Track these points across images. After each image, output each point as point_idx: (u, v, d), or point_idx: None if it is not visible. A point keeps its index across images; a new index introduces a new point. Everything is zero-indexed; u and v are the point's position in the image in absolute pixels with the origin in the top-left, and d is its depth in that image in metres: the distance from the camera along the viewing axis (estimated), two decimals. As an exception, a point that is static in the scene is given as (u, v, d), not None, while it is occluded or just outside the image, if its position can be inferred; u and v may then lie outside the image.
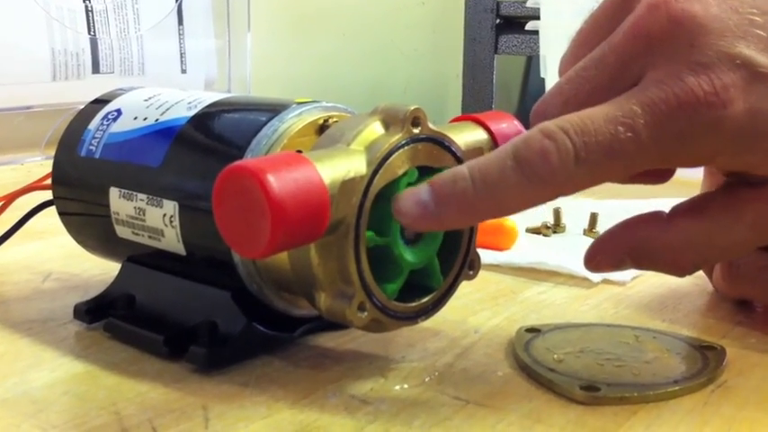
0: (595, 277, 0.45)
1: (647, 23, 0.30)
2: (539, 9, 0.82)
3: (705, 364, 0.34)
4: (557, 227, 0.55)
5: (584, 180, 0.29)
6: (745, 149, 0.30)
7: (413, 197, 0.30)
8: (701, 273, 0.43)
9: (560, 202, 0.57)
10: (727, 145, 0.29)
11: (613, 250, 0.33)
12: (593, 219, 0.54)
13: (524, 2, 1.13)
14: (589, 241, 0.49)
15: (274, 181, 0.27)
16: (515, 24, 1.24)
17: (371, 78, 1.31)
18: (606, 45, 0.31)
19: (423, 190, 0.30)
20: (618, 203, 0.58)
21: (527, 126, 0.38)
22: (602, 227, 0.54)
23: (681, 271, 0.33)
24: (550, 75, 0.82)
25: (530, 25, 0.90)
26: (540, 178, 0.29)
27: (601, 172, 0.29)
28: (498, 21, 1.26)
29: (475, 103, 1.27)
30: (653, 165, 0.30)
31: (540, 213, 0.56)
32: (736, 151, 0.30)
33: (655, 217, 0.33)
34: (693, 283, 0.44)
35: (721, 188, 0.33)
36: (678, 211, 0.32)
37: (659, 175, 0.34)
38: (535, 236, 0.54)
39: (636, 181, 0.33)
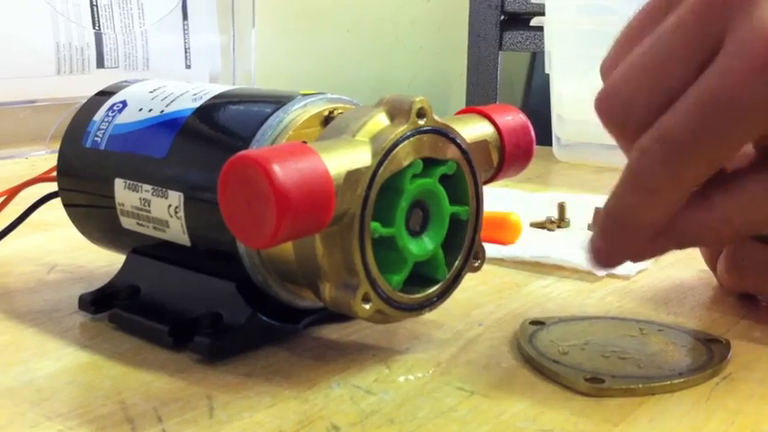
0: (600, 271, 0.45)
1: None
2: (543, 5, 0.82)
3: (710, 357, 0.34)
4: (561, 221, 0.55)
5: (683, 179, 0.30)
6: None
7: (589, 245, 0.33)
8: (705, 266, 0.43)
9: (565, 196, 0.57)
10: None
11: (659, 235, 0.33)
12: (598, 213, 0.54)
13: (529, -2, 1.12)
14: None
15: (280, 171, 0.27)
16: (520, 21, 1.24)
17: (376, 75, 1.31)
18: (675, 19, 0.30)
19: (595, 237, 0.33)
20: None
21: (533, 121, 0.38)
22: (607, 221, 0.53)
23: (721, 245, 0.35)
24: (555, 71, 0.82)
25: (534, 21, 0.90)
26: (653, 192, 0.30)
27: (694, 165, 0.30)
28: (503, 17, 1.26)
29: (479, 100, 1.27)
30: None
31: (545, 208, 0.56)
32: None
33: (689, 197, 0.32)
34: (698, 277, 0.44)
35: (755, 162, 0.32)
36: (711, 188, 0.32)
37: None
38: (539, 230, 0.54)
39: None
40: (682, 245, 0.33)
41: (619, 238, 0.32)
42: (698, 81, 0.29)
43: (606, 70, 0.33)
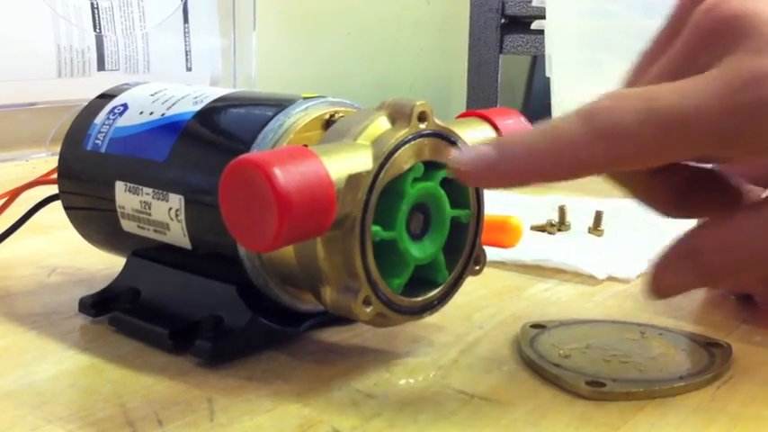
0: (600, 274, 0.45)
1: (706, 23, 0.30)
2: (544, 8, 0.82)
3: (711, 360, 0.34)
4: (561, 225, 0.55)
5: (652, 145, 0.28)
6: None
7: (474, 149, 0.29)
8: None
9: (565, 200, 0.57)
10: None
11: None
12: (598, 217, 0.54)
13: (529, 1, 1.12)
14: (594, 240, 0.48)
15: (281, 174, 0.27)
16: (520, 24, 1.24)
17: (376, 78, 1.31)
18: (671, 50, 0.31)
19: (485, 144, 0.29)
20: (623, 202, 0.58)
21: (533, 125, 0.38)
22: (607, 225, 0.54)
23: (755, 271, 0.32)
24: (556, 74, 0.82)
25: (535, 24, 0.90)
26: (606, 131, 0.28)
27: (668, 138, 0.28)
28: (503, 20, 1.26)
29: (480, 103, 1.27)
30: (717, 142, 0.29)
31: (545, 211, 0.56)
32: None
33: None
34: (699, 281, 0.44)
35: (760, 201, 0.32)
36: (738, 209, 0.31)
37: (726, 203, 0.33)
38: (540, 233, 0.54)
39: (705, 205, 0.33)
40: (709, 278, 0.32)
41: (531, 157, 0.29)
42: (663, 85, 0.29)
43: (634, 77, 0.34)
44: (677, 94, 0.29)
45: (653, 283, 0.31)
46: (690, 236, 0.31)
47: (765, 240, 0.30)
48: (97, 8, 0.87)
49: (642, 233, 0.53)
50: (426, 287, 0.33)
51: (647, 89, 0.29)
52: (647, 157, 0.29)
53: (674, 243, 0.31)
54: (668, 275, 0.31)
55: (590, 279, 0.45)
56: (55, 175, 0.41)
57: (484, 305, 0.41)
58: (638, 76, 0.33)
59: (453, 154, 0.30)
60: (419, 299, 0.33)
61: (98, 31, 0.88)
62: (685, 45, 0.31)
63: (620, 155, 0.29)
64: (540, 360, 0.33)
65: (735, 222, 0.30)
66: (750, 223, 0.30)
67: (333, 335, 0.36)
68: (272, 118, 0.34)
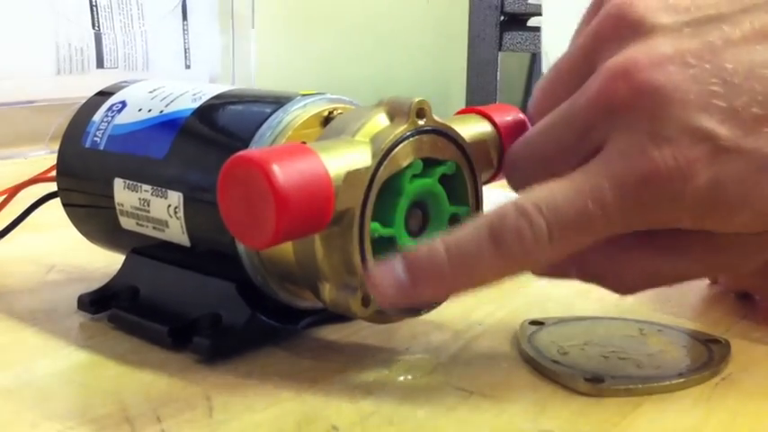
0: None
1: (609, 93, 0.30)
2: (541, 5, 0.82)
3: (710, 357, 0.34)
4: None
5: (555, 253, 0.29)
6: (706, 217, 0.30)
7: (388, 271, 0.29)
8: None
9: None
10: (688, 214, 0.29)
11: (563, 262, 0.32)
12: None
13: (528, -2, 1.13)
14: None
15: (279, 171, 0.27)
16: (519, 21, 1.24)
17: (376, 75, 1.31)
18: (571, 106, 0.31)
19: (397, 266, 0.29)
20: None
21: (532, 122, 0.38)
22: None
23: (626, 292, 0.33)
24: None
25: (532, 21, 0.90)
26: (514, 256, 0.29)
27: (571, 246, 0.30)
28: (502, 18, 1.26)
29: (479, 101, 1.27)
30: (617, 232, 0.30)
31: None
32: (697, 219, 0.30)
33: (607, 242, 0.31)
34: (698, 278, 0.44)
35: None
36: (628, 239, 0.31)
37: None
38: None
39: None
40: (584, 279, 0.33)
41: (441, 278, 0.29)
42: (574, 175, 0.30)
43: (535, 110, 0.34)
44: (578, 196, 0.29)
45: None
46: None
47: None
48: (96, 6, 0.87)
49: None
50: (425, 284, 0.33)
51: (552, 195, 0.29)
52: (551, 260, 0.30)
53: None
54: None
55: (589, 276, 0.45)
56: (54, 173, 0.41)
57: (482, 302, 0.41)
58: (543, 104, 0.34)
59: (371, 273, 0.30)
60: (418, 296, 0.33)
61: (97, 28, 0.88)
62: (587, 109, 0.31)
63: (526, 268, 0.30)
64: (538, 357, 0.33)
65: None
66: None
67: (331, 332, 0.36)
68: (270, 115, 0.34)
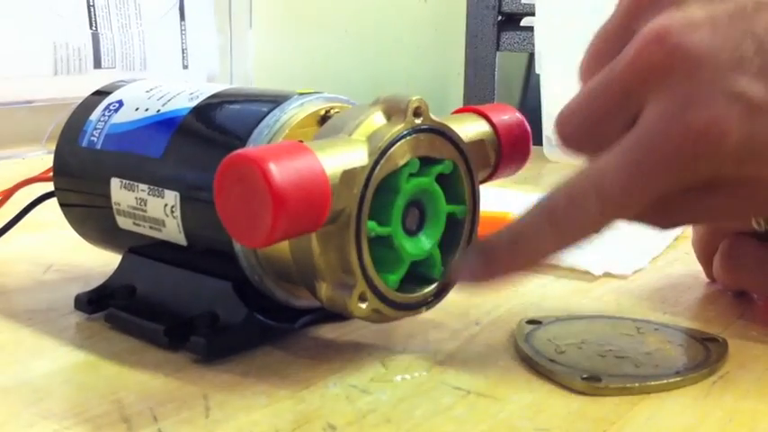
0: (597, 270, 0.45)
1: (645, 58, 0.31)
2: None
3: (707, 355, 0.34)
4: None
5: (609, 225, 0.32)
6: (745, 167, 0.31)
7: (466, 269, 0.33)
8: (700, 268, 0.43)
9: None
10: (728, 168, 0.31)
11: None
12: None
13: (521, -2, 1.13)
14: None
15: (276, 169, 0.27)
16: (517, 21, 1.24)
17: (373, 75, 1.31)
18: (611, 71, 0.32)
19: (473, 259, 0.33)
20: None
21: (529, 121, 0.38)
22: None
23: (666, 227, 0.35)
24: (545, 71, 0.82)
25: (525, 21, 0.90)
26: (571, 234, 0.32)
27: (622, 216, 0.32)
28: (500, 18, 1.26)
29: (477, 100, 1.27)
30: (663, 194, 0.31)
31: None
32: (737, 169, 0.31)
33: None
34: (694, 276, 0.44)
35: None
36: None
37: None
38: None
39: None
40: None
41: (511, 261, 0.33)
42: (623, 142, 0.31)
43: (583, 75, 0.35)
44: (622, 171, 0.31)
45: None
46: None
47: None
48: (93, 6, 0.87)
49: (638, 229, 0.53)
50: (422, 283, 0.33)
51: (594, 174, 0.31)
52: (606, 229, 0.32)
53: None
54: None
55: (586, 275, 0.45)
56: (51, 173, 0.41)
57: (480, 301, 0.41)
58: (591, 67, 0.34)
59: (452, 271, 0.34)
60: (415, 295, 0.33)
61: (94, 28, 0.87)
62: (626, 74, 0.32)
63: (582, 241, 0.32)
64: (535, 355, 0.33)
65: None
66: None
67: (328, 331, 0.36)
68: (267, 114, 0.34)
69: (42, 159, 0.77)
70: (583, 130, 0.33)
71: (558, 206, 0.32)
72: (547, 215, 0.32)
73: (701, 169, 0.31)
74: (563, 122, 0.34)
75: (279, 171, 0.27)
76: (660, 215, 0.33)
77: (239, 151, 0.28)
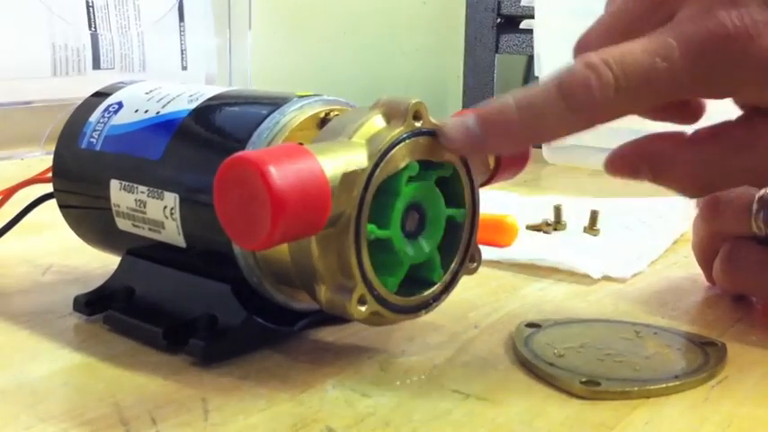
0: (596, 273, 0.45)
1: None
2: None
3: (705, 359, 0.34)
4: (557, 224, 0.55)
5: (623, 108, 0.31)
6: (765, 98, 0.31)
7: (461, 124, 0.31)
8: (699, 271, 0.43)
9: (561, 199, 0.57)
10: (753, 76, 0.31)
11: (633, 156, 0.34)
12: (594, 216, 0.54)
13: (520, 0, 1.12)
14: (590, 239, 0.49)
15: (276, 172, 0.27)
16: (516, 24, 1.24)
17: (372, 77, 1.31)
18: None
19: (470, 118, 0.31)
20: (619, 201, 0.58)
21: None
22: (603, 224, 0.54)
23: (691, 190, 0.34)
24: (545, 74, 0.81)
25: (524, 24, 0.90)
26: (582, 107, 0.30)
27: (638, 100, 0.31)
28: (499, 20, 1.26)
29: (476, 103, 1.27)
30: (684, 94, 0.32)
31: (541, 211, 0.56)
32: (762, 83, 0.31)
33: (676, 134, 0.34)
34: (693, 280, 0.44)
35: (741, 117, 0.34)
36: (699, 132, 0.34)
37: (691, 115, 0.36)
38: (536, 233, 0.54)
39: (669, 119, 0.35)
40: (655, 174, 0.34)
41: (515, 130, 0.31)
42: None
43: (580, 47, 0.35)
44: (646, 53, 0.30)
45: None
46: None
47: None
48: (92, 7, 0.87)
49: (637, 233, 0.53)
50: (421, 286, 0.33)
51: (621, 52, 0.31)
52: (618, 117, 0.31)
53: None
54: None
55: (585, 278, 0.45)
56: (50, 174, 0.41)
57: (479, 304, 0.41)
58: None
59: (443, 127, 0.32)
60: (414, 298, 0.33)
61: (93, 29, 0.87)
62: None
63: (594, 122, 0.31)
64: (534, 359, 0.33)
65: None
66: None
67: (327, 334, 0.36)
68: (267, 116, 0.34)
69: (41, 160, 0.77)
70: (611, 37, 0.32)
71: (573, 74, 0.30)
72: (557, 82, 0.31)
73: (726, 74, 0.30)
74: (589, 32, 0.34)
75: (278, 174, 0.27)
76: (695, 178, 0.33)
77: (239, 154, 0.28)
